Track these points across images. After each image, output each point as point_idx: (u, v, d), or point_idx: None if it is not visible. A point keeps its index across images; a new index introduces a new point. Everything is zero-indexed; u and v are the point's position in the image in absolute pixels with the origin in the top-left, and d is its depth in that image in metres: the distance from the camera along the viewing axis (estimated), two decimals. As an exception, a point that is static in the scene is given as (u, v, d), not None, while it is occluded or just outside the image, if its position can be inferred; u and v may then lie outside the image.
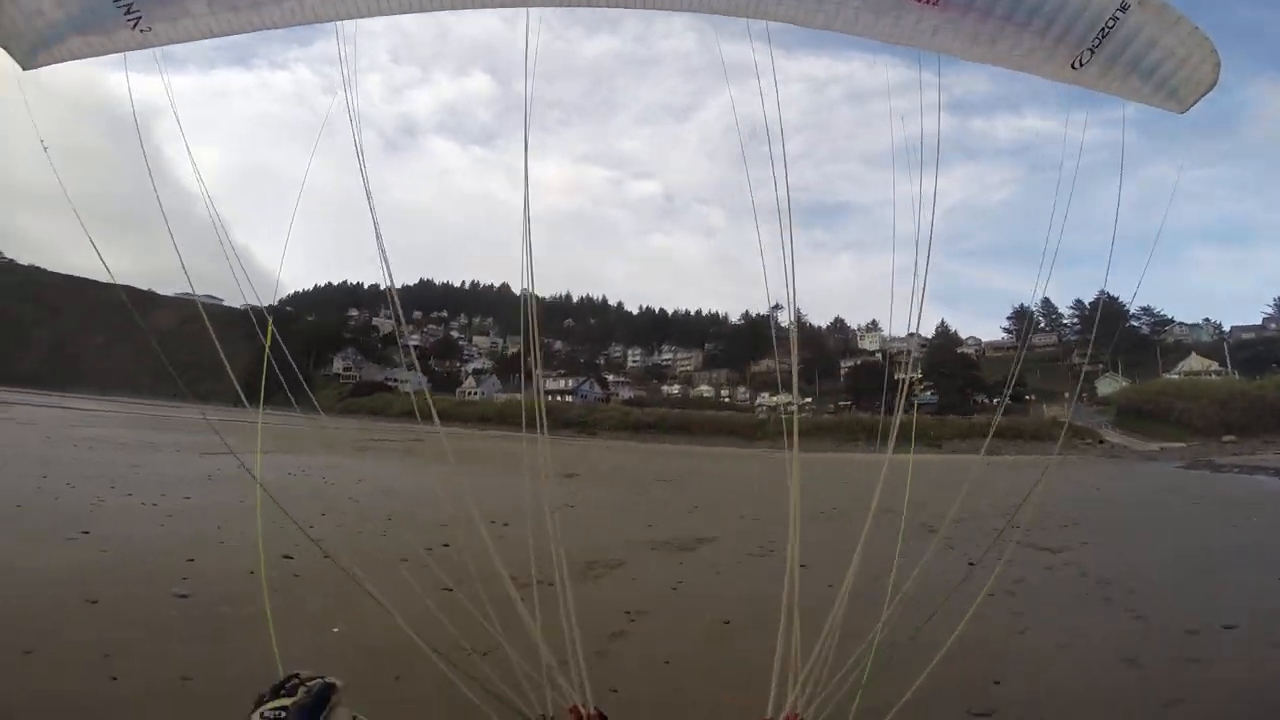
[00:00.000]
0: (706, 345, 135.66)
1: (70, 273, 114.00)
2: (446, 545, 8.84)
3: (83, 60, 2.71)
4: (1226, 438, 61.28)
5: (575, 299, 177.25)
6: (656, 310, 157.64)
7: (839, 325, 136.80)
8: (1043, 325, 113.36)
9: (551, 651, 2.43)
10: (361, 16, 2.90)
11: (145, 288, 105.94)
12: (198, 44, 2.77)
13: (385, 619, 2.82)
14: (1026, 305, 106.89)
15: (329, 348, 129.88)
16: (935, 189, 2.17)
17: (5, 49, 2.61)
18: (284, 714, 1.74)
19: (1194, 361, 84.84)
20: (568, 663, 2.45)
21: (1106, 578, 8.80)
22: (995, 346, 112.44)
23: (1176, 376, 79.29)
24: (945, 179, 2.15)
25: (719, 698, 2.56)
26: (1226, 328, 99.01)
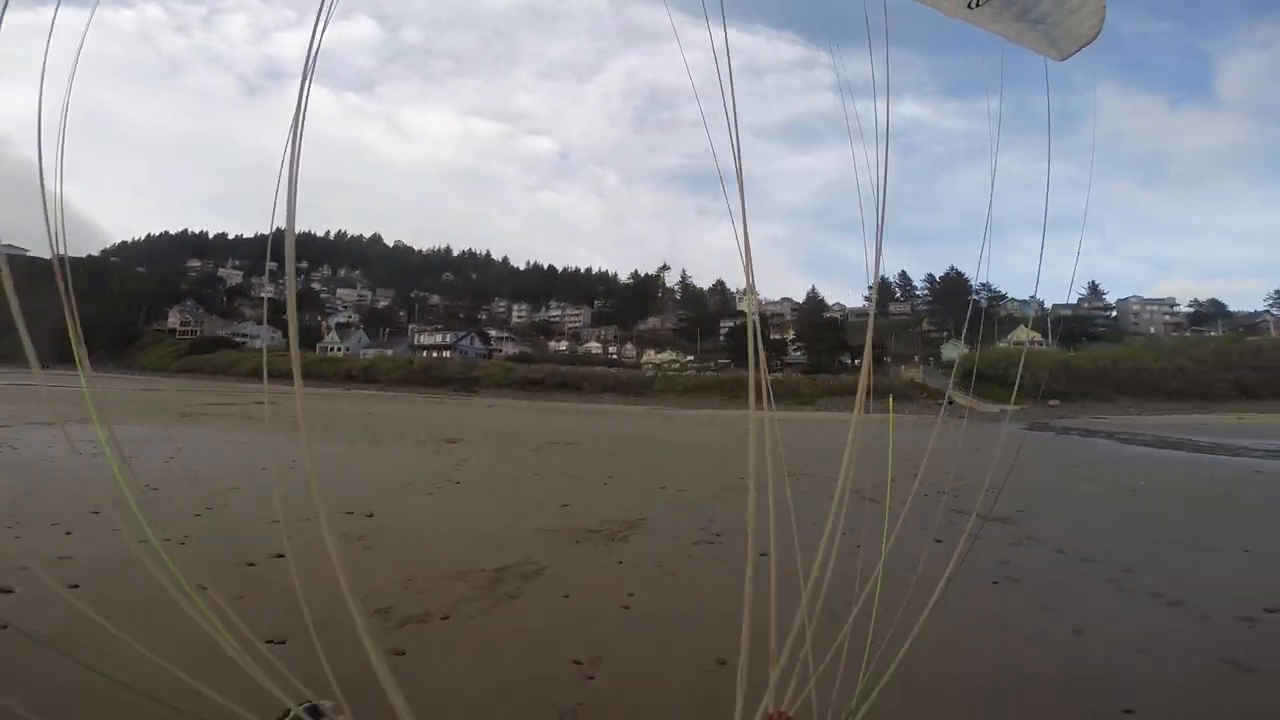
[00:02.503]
0: (595, 303, 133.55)
1: None
2: (281, 556, 6.00)
3: None
4: (1052, 401, 69.71)
5: (456, 252, 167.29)
6: (545, 266, 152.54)
7: (719, 287, 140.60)
8: (898, 295, 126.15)
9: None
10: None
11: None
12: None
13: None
14: (886, 277, 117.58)
15: (164, 301, 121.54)
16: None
17: None
18: None
19: (1021, 333, 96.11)
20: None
21: (1087, 555, 7.69)
22: (857, 313, 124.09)
23: (1006, 345, 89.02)
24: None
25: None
26: (1048, 305, 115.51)
